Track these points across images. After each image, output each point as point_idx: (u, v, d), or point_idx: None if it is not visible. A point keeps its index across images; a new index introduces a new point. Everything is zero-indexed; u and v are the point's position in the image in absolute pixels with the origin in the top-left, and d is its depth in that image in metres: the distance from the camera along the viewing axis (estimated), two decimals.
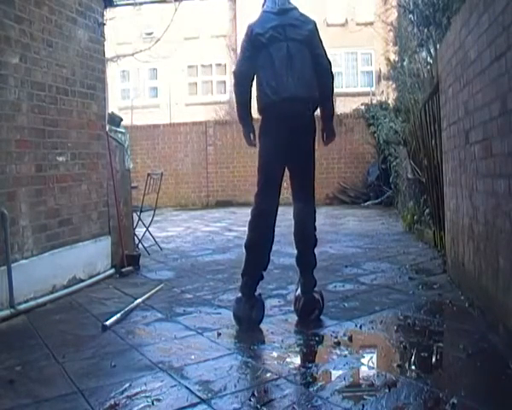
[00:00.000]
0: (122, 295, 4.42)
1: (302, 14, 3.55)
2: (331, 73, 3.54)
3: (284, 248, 5.46)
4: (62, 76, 4.65)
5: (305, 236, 3.57)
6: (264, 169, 3.53)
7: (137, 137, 13.85)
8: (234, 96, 3.63)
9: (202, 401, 2.32)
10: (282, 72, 3.35)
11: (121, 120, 6.75)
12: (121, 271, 5.23)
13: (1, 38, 3.86)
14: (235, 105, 3.66)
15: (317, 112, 3.60)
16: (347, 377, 2.53)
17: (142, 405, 2.30)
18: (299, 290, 3.58)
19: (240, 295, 3.48)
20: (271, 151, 3.44)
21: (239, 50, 3.55)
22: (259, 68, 3.42)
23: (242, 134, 3.66)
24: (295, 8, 3.57)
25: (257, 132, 3.59)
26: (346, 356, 2.81)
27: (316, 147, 3.61)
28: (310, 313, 3.50)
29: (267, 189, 3.48)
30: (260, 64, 3.41)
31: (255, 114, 3.56)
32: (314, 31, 3.50)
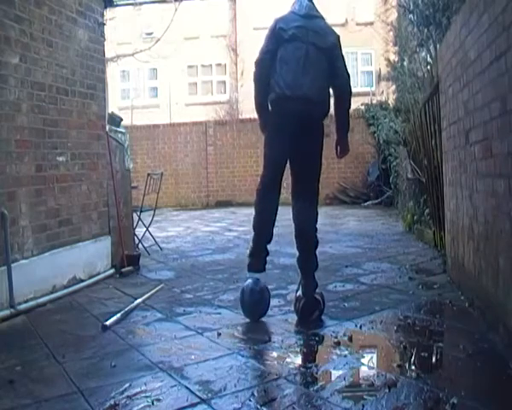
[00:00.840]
0: (122, 295, 4.42)
1: (328, 26, 3.62)
2: (350, 86, 3.57)
3: (284, 249, 5.46)
4: (62, 76, 4.65)
5: (307, 238, 3.58)
6: (270, 154, 3.57)
7: (137, 137, 13.85)
8: (253, 84, 3.65)
9: (202, 401, 2.32)
10: (298, 70, 3.40)
11: (121, 120, 6.75)
12: (121, 271, 5.23)
13: (1, 38, 3.86)
14: (254, 93, 3.65)
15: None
16: (347, 377, 2.53)
17: (142, 405, 2.30)
18: (299, 291, 3.59)
19: (246, 283, 3.58)
20: (277, 141, 3.51)
21: (263, 42, 3.60)
22: (277, 61, 3.46)
23: (258, 123, 3.71)
24: (322, 18, 3.63)
25: None
26: (346, 356, 2.80)
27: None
28: (310, 314, 3.51)
29: (272, 174, 3.53)
30: (279, 58, 3.46)
31: None
32: (336, 43, 3.55)
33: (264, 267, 3.62)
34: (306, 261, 3.57)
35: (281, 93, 3.43)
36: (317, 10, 3.63)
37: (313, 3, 3.66)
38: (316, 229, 3.60)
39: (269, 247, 3.63)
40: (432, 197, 5.70)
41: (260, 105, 3.61)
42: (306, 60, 3.41)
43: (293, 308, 3.63)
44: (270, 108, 3.57)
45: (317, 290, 3.59)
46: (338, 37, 3.60)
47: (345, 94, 3.57)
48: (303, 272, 3.58)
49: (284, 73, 3.42)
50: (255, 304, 3.55)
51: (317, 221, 3.62)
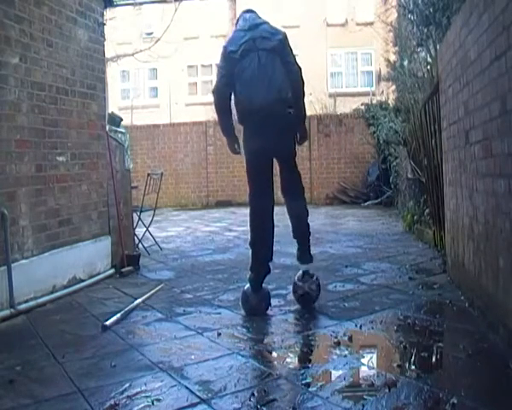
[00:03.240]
0: (122, 295, 4.42)
1: (272, 27, 3.79)
2: (301, 78, 3.75)
3: (284, 249, 5.46)
4: (62, 76, 4.65)
5: (301, 225, 3.87)
6: (252, 171, 3.76)
7: (137, 137, 13.85)
8: (215, 113, 3.88)
9: (202, 401, 2.32)
10: (253, 80, 3.59)
11: (121, 119, 6.74)
12: (121, 271, 5.23)
13: (1, 38, 3.87)
14: (218, 120, 3.89)
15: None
16: (347, 377, 2.53)
17: (142, 405, 2.30)
18: (296, 279, 3.84)
19: (248, 286, 3.74)
20: (256, 151, 3.68)
21: (217, 70, 3.85)
22: (235, 82, 3.65)
23: (227, 145, 3.97)
24: (266, 23, 3.81)
25: (240, 141, 3.84)
26: (346, 356, 2.80)
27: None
28: (305, 301, 3.75)
29: (259, 189, 3.71)
30: (236, 78, 3.64)
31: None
32: (283, 40, 3.71)
33: (262, 285, 3.75)
34: (300, 230, 3.85)
35: (244, 108, 3.66)
36: (259, 17, 3.85)
37: (255, 12, 3.89)
38: (307, 213, 3.88)
39: None
40: (432, 197, 5.70)
41: (224, 130, 3.87)
42: (260, 66, 3.60)
43: (293, 309, 3.67)
44: (242, 124, 3.76)
45: (315, 278, 3.81)
46: (284, 34, 3.75)
47: (296, 84, 3.72)
48: (298, 241, 3.87)
49: (242, 88, 3.62)
50: (255, 306, 3.70)
51: (306, 207, 3.88)
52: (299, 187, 3.88)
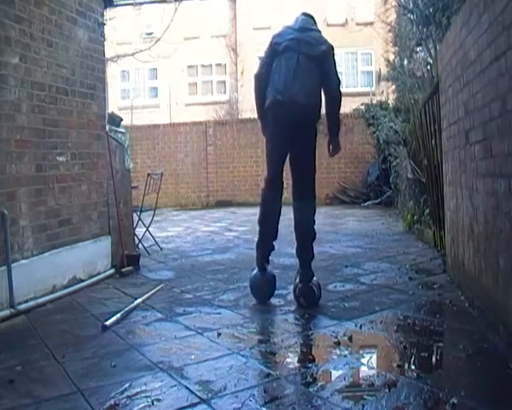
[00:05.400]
0: (122, 295, 4.42)
1: (321, 37, 3.93)
2: (339, 91, 3.89)
3: (284, 249, 5.46)
4: (62, 76, 4.65)
5: (305, 232, 3.92)
6: (269, 155, 3.97)
7: (137, 137, 13.84)
8: (254, 97, 4.06)
9: (202, 401, 2.32)
10: (289, 77, 3.75)
11: (121, 120, 6.74)
12: (121, 271, 5.22)
13: (1, 38, 3.86)
14: (255, 104, 4.06)
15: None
16: (347, 377, 2.53)
17: (142, 405, 2.30)
18: (298, 279, 3.88)
19: (255, 270, 3.98)
20: (274, 142, 3.91)
21: (262, 56, 4.03)
22: (272, 72, 3.85)
23: (260, 128, 4.14)
24: (317, 31, 3.98)
25: None
26: (346, 356, 2.80)
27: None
28: (307, 300, 3.77)
29: (273, 170, 3.90)
30: (273, 68, 3.85)
31: None
32: (328, 52, 3.85)
33: (268, 262, 4.03)
34: (303, 251, 3.91)
35: (273, 99, 3.80)
36: (312, 24, 4.01)
37: (311, 18, 4.06)
38: (314, 222, 3.92)
39: None
40: (432, 197, 5.70)
41: (259, 113, 4.04)
42: (297, 68, 3.75)
43: (293, 309, 3.68)
44: (267, 111, 3.90)
45: (315, 281, 3.85)
46: (330, 46, 3.88)
47: (334, 97, 3.89)
48: (300, 262, 3.92)
49: (276, 80, 3.80)
50: (261, 291, 3.96)
51: (314, 217, 3.93)
52: (310, 207, 3.92)
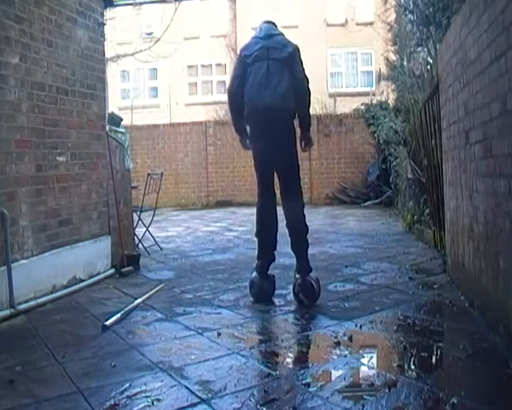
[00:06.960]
0: (122, 295, 4.42)
1: (285, 40, 4.05)
2: (307, 89, 3.96)
3: (284, 249, 5.44)
4: (62, 76, 4.65)
5: (296, 227, 4.00)
6: (257, 168, 4.08)
7: (137, 137, 13.85)
8: (229, 112, 4.21)
9: (202, 401, 2.32)
10: (261, 85, 3.87)
11: (121, 120, 6.75)
12: (121, 271, 5.22)
13: (1, 38, 3.86)
14: (231, 118, 4.19)
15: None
16: (347, 377, 2.53)
17: (142, 405, 2.30)
18: (296, 275, 3.95)
19: (255, 273, 4.06)
20: (259, 154, 4.02)
21: (232, 69, 4.18)
22: (246, 84, 3.94)
23: (239, 141, 4.26)
24: (280, 34, 4.09)
25: None
26: (346, 356, 2.80)
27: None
28: (307, 296, 3.82)
29: (263, 184, 4.06)
30: (246, 80, 3.95)
31: None
32: (294, 53, 3.95)
33: (268, 270, 4.11)
34: (298, 244, 4.01)
35: (249, 108, 3.94)
36: (275, 29, 4.12)
37: (273, 24, 4.17)
38: (304, 217, 4.00)
39: None
40: (432, 197, 5.70)
41: (236, 128, 4.18)
42: (268, 74, 3.87)
43: (293, 309, 3.69)
44: (247, 123, 4.05)
45: (313, 276, 3.89)
46: (296, 47, 3.99)
47: (303, 97, 3.95)
48: (297, 255, 4.02)
49: (249, 90, 3.92)
50: (261, 293, 4.01)
51: (303, 212, 4.01)
52: (298, 205, 3.98)
